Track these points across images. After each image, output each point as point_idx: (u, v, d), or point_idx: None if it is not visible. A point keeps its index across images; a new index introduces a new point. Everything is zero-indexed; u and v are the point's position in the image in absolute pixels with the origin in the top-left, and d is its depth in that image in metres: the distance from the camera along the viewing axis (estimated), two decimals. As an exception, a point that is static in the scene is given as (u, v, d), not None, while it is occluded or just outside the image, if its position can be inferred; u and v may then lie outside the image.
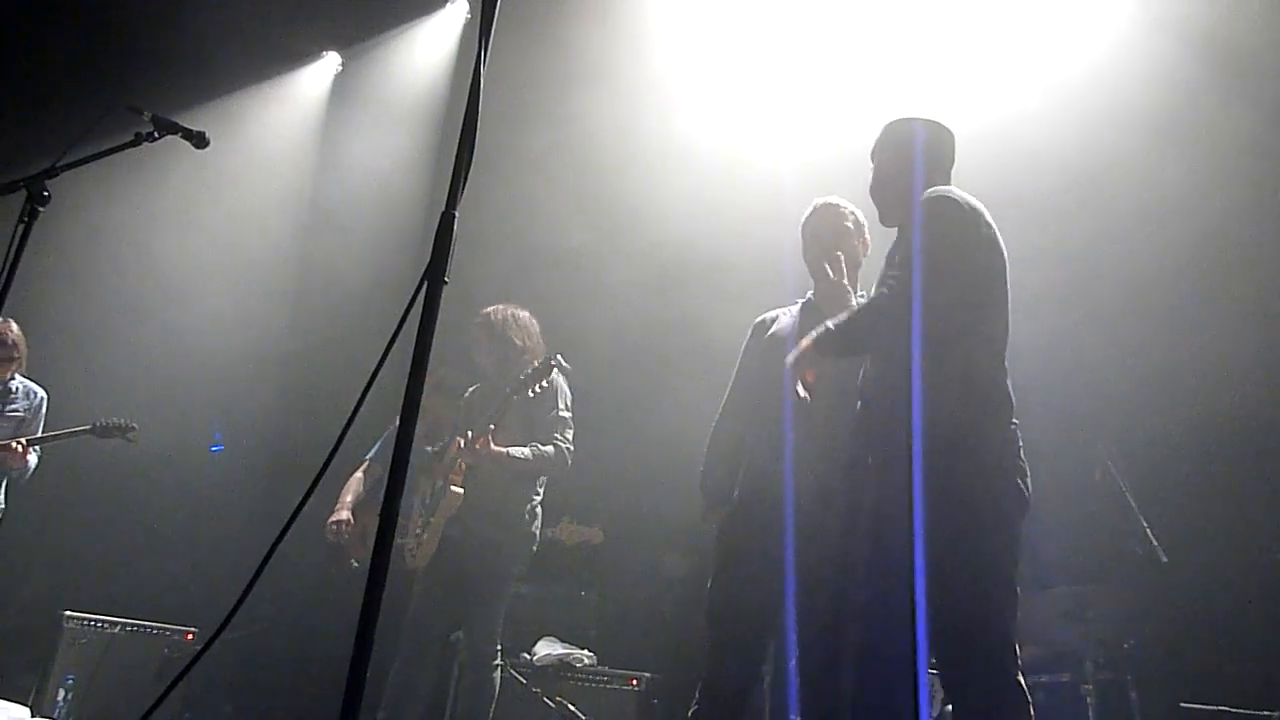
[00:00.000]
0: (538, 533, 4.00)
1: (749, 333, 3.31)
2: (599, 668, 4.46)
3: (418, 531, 4.25)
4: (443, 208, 1.80)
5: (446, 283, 1.76)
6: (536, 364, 3.86)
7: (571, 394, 4.05)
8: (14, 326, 4.63)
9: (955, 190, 2.59)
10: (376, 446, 4.54)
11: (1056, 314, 4.22)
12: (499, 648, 3.83)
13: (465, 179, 1.82)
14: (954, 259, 2.45)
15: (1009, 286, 2.56)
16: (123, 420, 4.66)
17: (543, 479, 4.01)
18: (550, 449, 3.88)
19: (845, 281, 3.01)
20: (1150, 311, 4.36)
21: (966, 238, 2.48)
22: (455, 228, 1.80)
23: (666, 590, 4.82)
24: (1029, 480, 2.45)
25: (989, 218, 2.55)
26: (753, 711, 3.16)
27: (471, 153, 1.82)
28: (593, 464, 5.06)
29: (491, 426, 3.80)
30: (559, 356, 3.85)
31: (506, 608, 3.89)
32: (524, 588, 4.98)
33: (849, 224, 3.15)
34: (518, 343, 4.04)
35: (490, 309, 4.10)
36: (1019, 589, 2.39)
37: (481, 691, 3.76)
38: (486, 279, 4.94)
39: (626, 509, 4.98)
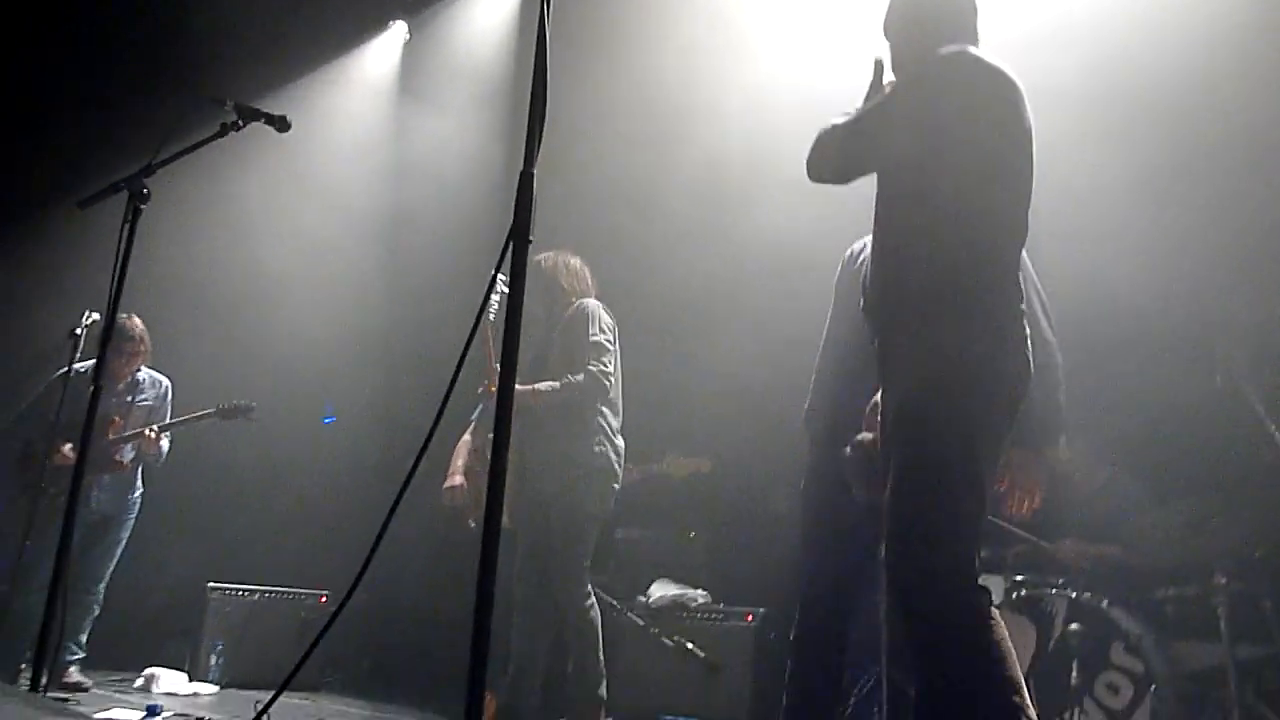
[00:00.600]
0: (615, 468, 3.92)
1: (839, 265, 3.21)
2: (714, 606, 4.53)
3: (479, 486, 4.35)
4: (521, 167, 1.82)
5: (531, 241, 1.79)
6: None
7: (612, 320, 3.98)
8: (138, 321, 4.87)
9: (978, 50, 2.30)
10: (480, 408, 4.61)
11: (1165, 204, 4.01)
12: (588, 589, 3.80)
13: (540, 136, 1.82)
14: (964, 121, 2.19)
15: (1032, 167, 2.28)
16: (242, 401, 4.89)
17: (608, 414, 3.93)
18: (580, 377, 3.79)
19: None
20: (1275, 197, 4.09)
21: (979, 99, 2.21)
22: (535, 186, 1.81)
23: (776, 526, 4.81)
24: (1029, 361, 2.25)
25: (1018, 85, 2.25)
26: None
27: (544, 109, 1.83)
28: (694, 399, 5.09)
29: (497, 367, 3.76)
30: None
31: (592, 546, 3.84)
32: (635, 532, 5.06)
33: None
34: (564, 285, 4.02)
35: (542, 256, 4.09)
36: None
37: (584, 636, 3.76)
38: (587, 231, 4.96)
39: (733, 445, 4.97)
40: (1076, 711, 3.32)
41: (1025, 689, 1.97)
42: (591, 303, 3.98)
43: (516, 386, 3.62)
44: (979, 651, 1.99)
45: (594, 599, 3.83)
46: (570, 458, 3.82)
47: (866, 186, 2.41)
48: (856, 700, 3.83)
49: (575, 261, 4.11)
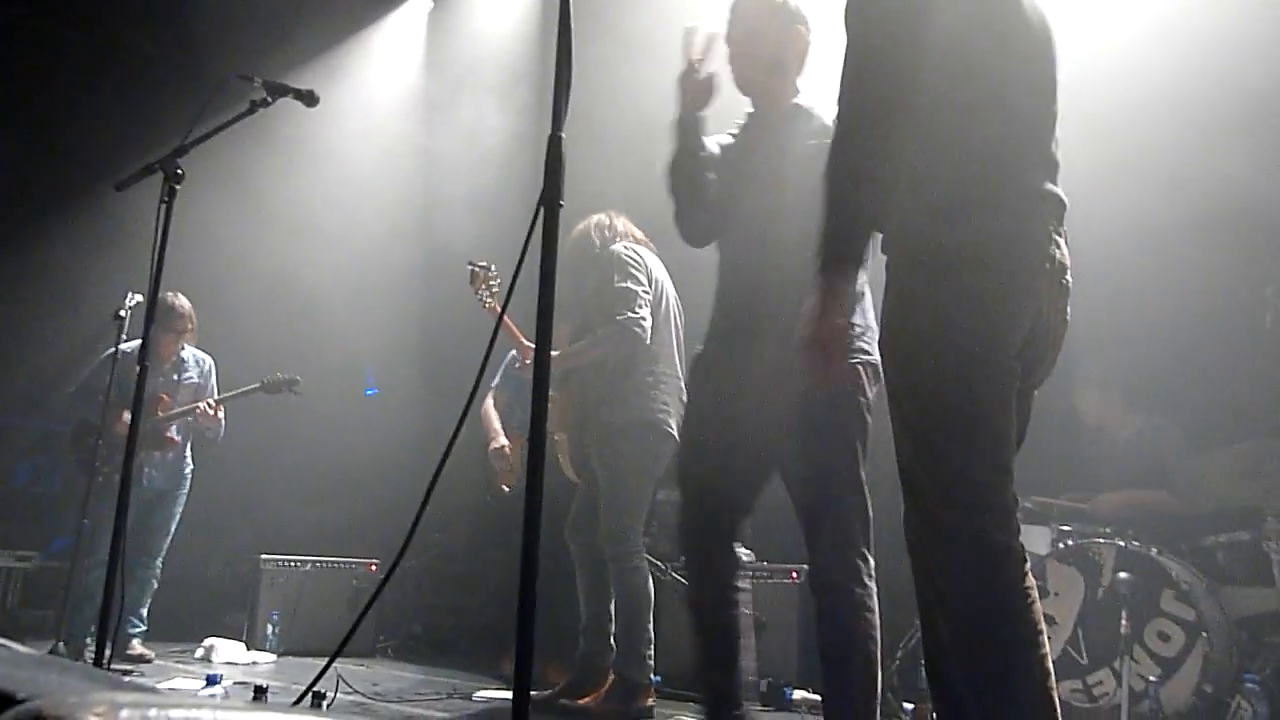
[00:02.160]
0: (662, 419, 3.61)
1: None
2: (758, 564, 4.54)
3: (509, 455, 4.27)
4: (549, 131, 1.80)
5: (562, 205, 1.78)
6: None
7: (643, 260, 3.67)
8: (183, 299, 4.96)
9: None
10: (499, 375, 4.55)
11: (1214, 147, 3.90)
12: (632, 549, 3.57)
13: (567, 100, 1.81)
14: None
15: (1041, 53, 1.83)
16: (287, 375, 4.97)
17: (653, 362, 3.65)
18: (610, 329, 3.54)
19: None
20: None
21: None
22: (563, 149, 1.80)
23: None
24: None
25: None
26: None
27: (569, 73, 1.81)
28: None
29: (525, 342, 3.65)
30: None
31: (638, 504, 3.62)
32: (676, 493, 5.07)
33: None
34: (596, 241, 3.76)
35: (576, 229, 3.87)
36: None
37: (627, 599, 3.56)
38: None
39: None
40: (1127, 660, 3.30)
41: (1053, 675, 1.72)
42: (617, 247, 3.68)
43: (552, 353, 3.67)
44: (1008, 632, 1.65)
45: (642, 563, 3.62)
46: (612, 411, 3.61)
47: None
48: (903, 655, 3.84)
49: (604, 217, 3.85)
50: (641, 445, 3.60)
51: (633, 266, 3.62)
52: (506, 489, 4.34)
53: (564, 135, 1.80)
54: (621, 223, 3.86)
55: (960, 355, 1.68)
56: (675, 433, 3.53)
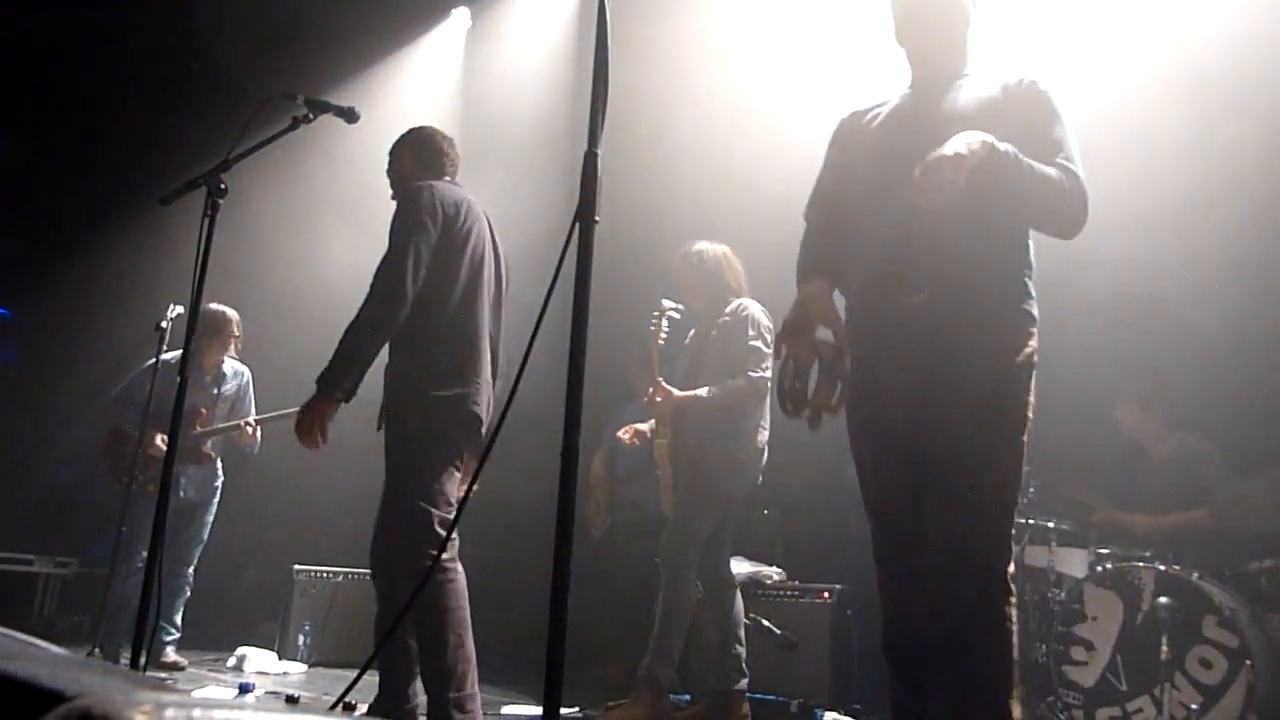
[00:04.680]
0: (757, 462, 3.91)
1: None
2: (789, 583, 4.52)
3: (599, 498, 4.63)
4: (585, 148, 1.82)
5: (597, 222, 1.79)
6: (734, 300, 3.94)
7: (769, 321, 3.94)
8: (231, 311, 5.04)
9: None
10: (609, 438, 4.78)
11: (1250, 170, 3.85)
12: (689, 568, 3.78)
13: (604, 116, 1.82)
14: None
15: None
16: None
17: (760, 414, 3.93)
18: (740, 381, 3.83)
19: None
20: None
21: None
22: (599, 166, 1.81)
23: (850, 501, 4.77)
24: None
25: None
26: None
27: (606, 89, 1.82)
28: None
29: (661, 380, 3.87)
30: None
31: (707, 529, 3.82)
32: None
33: None
34: (730, 281, 4.01)
35: (701, 246, 4.06)
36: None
37: (675, 603, 3.75)
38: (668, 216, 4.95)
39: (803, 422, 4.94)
40: (1168, 687, 3.24)
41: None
42: (753, 305, 3.96)
43: (678, 392, 3.84)
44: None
45: (693, 583, 3.83)
46: (718, 453, 3.84)
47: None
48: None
49: (733, 256, 4.08)
50: (734, 478, 3.86)
51: (763, 325, 3.92)
52: (596, 533, 4.62)
53: (599, 152, 1.81)
54: (740, 266, 4.08)
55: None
56: (761, 471, 3.92)
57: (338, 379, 2.88)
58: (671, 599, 3.77)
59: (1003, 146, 2.04)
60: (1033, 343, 2.17)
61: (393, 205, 3.15)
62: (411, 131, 3.37)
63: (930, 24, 2.32)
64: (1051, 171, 2.10)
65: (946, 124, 2.14)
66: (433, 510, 2.86)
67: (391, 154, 3.35)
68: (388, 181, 3.36)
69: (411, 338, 2.94)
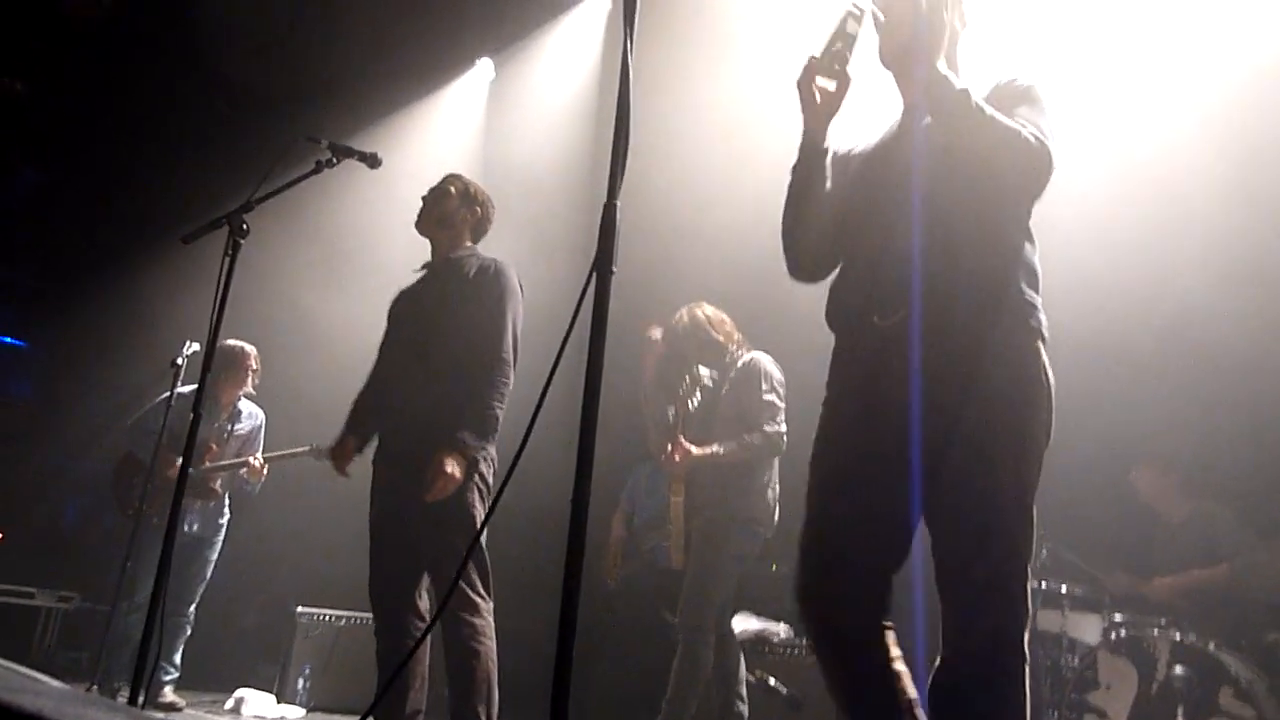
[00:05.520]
0: (771, 518, 3.92)
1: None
2: (796, 640, 4.45)
3: (615, 553, 4.66)
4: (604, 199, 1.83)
5: (614, 272, 1.80)
6: (741, 353, 3.92)
7: (780, 374, 3.94)
8: (249, 347, 5.07)
9: None
10: (627, 491, 4.78)
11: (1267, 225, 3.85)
12: (707, 630, 3.77)
13: (624, 168, 1.84)
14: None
15: None
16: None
17: (774, 468, 3.94)
18: (756, 437, 3.81)
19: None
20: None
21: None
22: (618, 217, 1.83)
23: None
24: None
25: None
26: None
27: (627, 141, 1.84)
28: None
29: (681, 439, 3.83)
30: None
31: (723, 587, 3.84)
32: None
33: None
34: (719, 339, 3.99)
35: (676, 316, 4.05)
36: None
37: (692, 666, 3.72)
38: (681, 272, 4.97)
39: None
40: (1182, 760, 3.16)
41: None
42: (763, 357, 3.95)
43: (696, 450, 3.79)
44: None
45: (711, 646, 3.79)
46: (732, 513, 3.83)
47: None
48: None
49: (711, 311, 4.06)
50: (747, 541, 3.85)
51: (775, 379, 3.90)
52: (610, 583, 4.63)
53: (619, 203, 1.83)
54: (727, 317, 4.08)
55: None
56: (773, 525, 3.91)
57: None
58: (689, 663, 3.74)
59: (959, 84, 1.98)
60: (1041, 361, 1.99)
61: (415, 243, 3.26)
62: (474, 184, 3.51)
63: (904, 50, 2.11)
64: (1009, 120, 1.98)
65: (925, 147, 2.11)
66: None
67: (448, 190, 3.43)
68: (421, 207, 3.42)
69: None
